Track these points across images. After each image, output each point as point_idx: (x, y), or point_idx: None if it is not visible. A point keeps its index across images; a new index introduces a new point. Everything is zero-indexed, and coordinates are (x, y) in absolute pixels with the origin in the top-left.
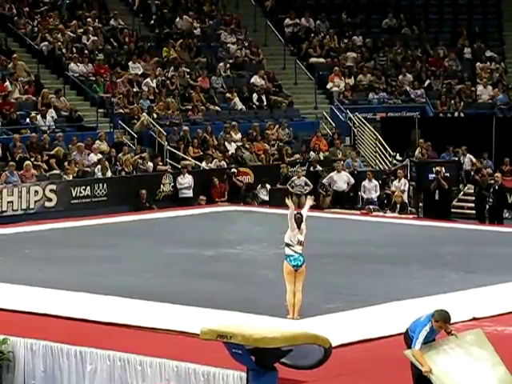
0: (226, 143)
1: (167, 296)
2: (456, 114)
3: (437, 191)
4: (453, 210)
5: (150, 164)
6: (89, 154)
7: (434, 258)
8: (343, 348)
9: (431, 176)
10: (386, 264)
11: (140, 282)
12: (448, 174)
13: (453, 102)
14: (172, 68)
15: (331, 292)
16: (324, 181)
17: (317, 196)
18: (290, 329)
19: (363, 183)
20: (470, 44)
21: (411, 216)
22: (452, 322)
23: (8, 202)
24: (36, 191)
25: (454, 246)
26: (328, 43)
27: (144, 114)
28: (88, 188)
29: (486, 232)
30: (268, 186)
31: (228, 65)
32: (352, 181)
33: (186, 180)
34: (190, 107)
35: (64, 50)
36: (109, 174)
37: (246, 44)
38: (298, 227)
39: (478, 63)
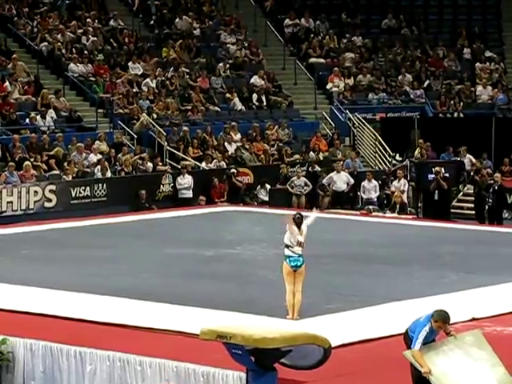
0: (226, 143)
1: (167, 296)
2: (455, 115)
3: (436, 191)
4: (452, 211)
5: (150, 164)
6: (88, 155)
7: (433, 259)
8: (343, 348)
9: (431, 176)
10: (386, 264)
11: (140, 282)
12: (447, 175)
13: (452, 102)
14: (172, 68)
15: (331, 292)
16: (324, 181)
17: (316, 196)
18: (290, 329)
19: (363, 183)
20: (469, 44)
21: (411, 216)
22: (452, 322)
23: (7, 203)
24: (35, 191)
25: (453, 246)
26: (328, 43)
27: (144, 114)
28: (87, 188)
29: (486, 232)
30: (268, 187)
31: (228, 65)
32: (351, 181)
33: (186, 180)
34: (190, 107)
35: (64, 51)
36: (108, 174)
37: (246, 44)
38: (298, 228)
39: (478, 63)
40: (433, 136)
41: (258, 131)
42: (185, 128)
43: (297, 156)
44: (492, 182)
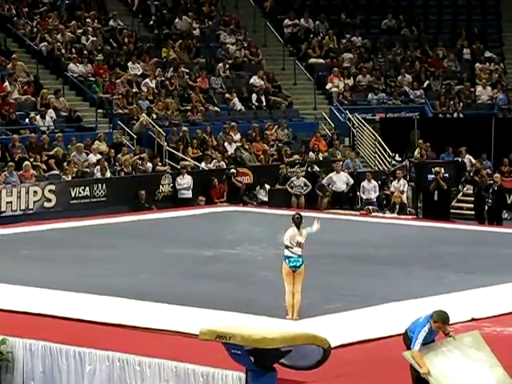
0: (226, 144)
1: (166, 296)
2: (455, 115)
3: (436, 192)
4: (452, 211)
5: (149, 164)
6: (88, 155)
7: (433, 259)
8: (342, 348)
9: (430, 177)
10: (385, 265)
11: (139, 282)
12: (447, 175)
13: (452, 102)
14: (171, 68)
15: (330, 293)
16: (323, 181)
17: (315, 197)
18: (289, 329)
19: (362, 184)
20: (469, 45)
21: (410, 217)
22: (451, 322)
23: (7, 203)
24: (35, 191)
25: (453, 246)
26: (327, 44)
27: (143, 114)
28: (87, 188)
29: (485, 233)
30: (267, 187)
31: (227, 65)
32: (351, 181)
33: (185, 180)
34: (190, 108)
35: (63, 51)
36: (108, 174)
37: (246, 44)
38: (298, 228)
39: (477, 64)
40: (432, 136)
41: (257, 131)
42: (184, 128)
43: (296, 156)
44: (492, 182)
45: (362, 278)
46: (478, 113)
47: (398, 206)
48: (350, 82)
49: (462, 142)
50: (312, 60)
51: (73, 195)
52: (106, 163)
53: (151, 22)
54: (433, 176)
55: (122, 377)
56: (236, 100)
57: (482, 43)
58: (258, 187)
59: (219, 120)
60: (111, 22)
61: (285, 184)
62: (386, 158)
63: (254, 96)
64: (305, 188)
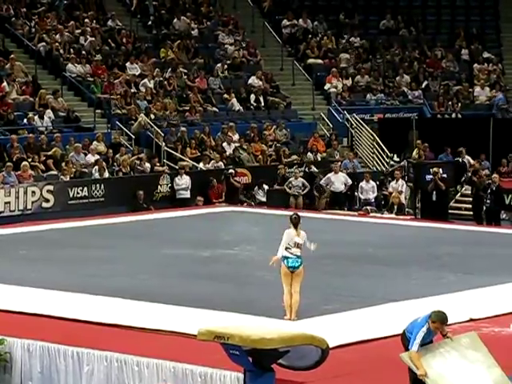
0: (224, 144)
1: (164, 297)
2: (453, 115)
3: (434, 192)
4: (450, 211)
5: (148, 165)
6: (86, 155)
7: (431, 259)
8: (340, 349)
9: (428, 177)
10: (384, 265)
11: (137, 282)
12: (445, 175)
13: (450, 103)
14: (169, 69)
15: (329, 293)
16: (321, 182)
17: (313, 197)
18: (288, 330)
19: (361, 184)
20: (467, 45)
21: (408, 217)
22: (449, 323)
23: (5, 203)
24: (33, 192)
25: (451, 247)
26: (325, 44)
27: (141, 114)
28: (85, 189)
29: (484, 233)
30: (265, 187)
31: (226, 66)
32: (349, 182)
33: (184, 181)
34: (188, 108)
35: (61, 51)
36: (106, 174)
37: (244, 45)
38: (296, 229)
39: (476, 64)
40: (431, 137)
41: (255, 132)
42: (183, 128)
43: (294, 157)
44: (490, 182)
45: (361, 278)
46: (476, 113)
47: (396, 207)
48: (349, 82)
49: (460, 143)
50: (310, 60)
51: (71, 195)
52: (104, 163)
53: (149, 23)
54: (431, 176)
55: (120, 377)
56: (234, 100)
57: (481, 44)
58: (257, 187)
59: (217, 120)
60: (109, 22)
61: (283, 184)
62: (384, 159)
63: (253, 96)
64: (303, 188)
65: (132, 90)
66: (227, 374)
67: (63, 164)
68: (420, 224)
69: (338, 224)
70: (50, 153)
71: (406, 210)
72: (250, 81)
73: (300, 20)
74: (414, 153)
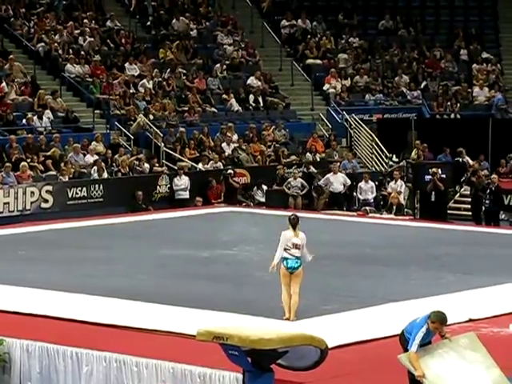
0: (223, 144)
1: (163, 297)
2: (452, 116)
3: (433, 193)
4: (449, 212)
5: (147, 165)
6: (85, 155)
7: (430, 260)
8: (339, 349)
9: (427, 177)
10: (383, 265)
11: (136, 283)
12: (444, 176)
13: (449, 103)
14: (168, 69)
15: (328, 293)
16: (320, 182)
17: (312, 197)
18: (287, 330)
19: (359, 184)
20: (466, 45)
21: (407, 217)
22: (448, 323)
23: (4, 204)
24: (32, 192)
25: (450, 247)
26: (324, 44)
27: (140, 115)
28: (84, 189)
29: (483, 233)
30: (264, 187)
31: (224, 66)
32: (348, 182)
33: (183, 181)
34: (187, 108)
35: (60, 51)
36: (105, 175)
37: (243, 45)
38: (294, 230)
39: (475, 65)
40: (430, 137)
41: (254, 132)
42: (181, 129)
43: (293, 157)
44: (489, 183)
45: (360, 278)
46: (475, 114)
47: (395, 207)
48: (348, 82)
49: (459, 143)
50: (309, 61)
51: (70, 196)
52: (103, 164)
53: (148, 23)
54: (430, 177)
55: (119, 377)
56: (233, 101)
57: (480, 44)
58: (255, 188)
59: (216, 121)
60: (108, 23)
61: (282, 185)
62: (383, 159)
63: (252, 97)
64: (302, 189)
65: (131, 91)
66: (226, 375)
67: (62, 164)
68: (419, 224)
69: (336, 224)
70: (48, 153)
71: (405, 210)
72: (248, 81)
73: (299, 20)
74: (413, 153)
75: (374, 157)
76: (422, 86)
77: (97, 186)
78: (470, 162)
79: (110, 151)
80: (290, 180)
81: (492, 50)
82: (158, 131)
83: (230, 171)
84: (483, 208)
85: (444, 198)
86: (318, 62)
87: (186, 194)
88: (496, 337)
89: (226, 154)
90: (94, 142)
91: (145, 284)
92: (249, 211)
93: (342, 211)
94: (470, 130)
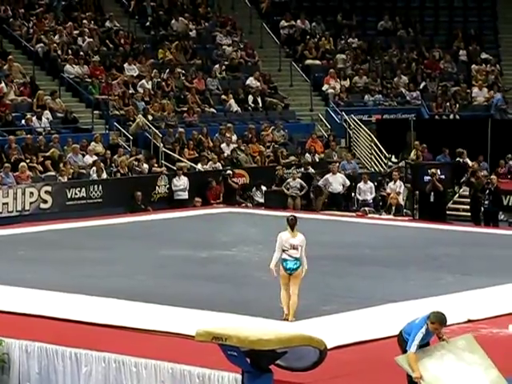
0: (222, 145)
1: (162, 298)
2: (451, 116)
3: (432, 193)
4: (448, 212)
5: (146, 166)
6: (84, 156)
7: (429, 260)
8: (338, 350)
9: (426, 178)
10: (382, 266)
11: (135, 283)
12: (443, 176)
13: (448, 104)
14: (167, 70)
15: (327, 294)
16: (319, 183)
17: (310, 198)
18: (286, 331)
19: (358, 185)
20: (465, 46)
21: (406, 218)
22: (448, 324)
23: (3, 204)
24: (31, 193)
25: (449, 248)
26: (323, 45)
27: (139, 115)
28: (83, 190)
29: (482, 234)
30: (263, 188)
31: (223, 66)
32: (347, 183)
33: (182, 182)
34: (186, 109)
35: (59, 52)
36: (104, 175)
37: (242, 46)
38: (292, 230)
39: (474, 65)
40: (429, 138)
41: (253, 133)
42: (180, 129)
43: (292, 158)
44: (488, 183)
45: (359, 279)
46: (474, 114)
47: (394, 208)
48: (347, 83)
49: (458, 144)
50: (308, 61)
51: (69, 196)
52: (102, 164)
53: (147, 23)
54: (429, 177)
55: (118, 378)
56: (232, 101)
57: (479, 44)
58: (254, 188)
59: (215, 121)
60: (107, 23)
61: (281, 185)
62: (382, 160)
63: (251, 97)
64: (301, 189)
65: (130, 91)
66: (225, 375)
67: (61, 165)
68: (418, 225)
69: (335, 225)
70: (47, 154)
71: (404, 210)
72: (247, 82)
73: (298, 21)
74: (412, 154)
75: (373, 157)
76: (421, 86)
77: (96, 186)
78: (469, 162)
79: (109, 152)
80: (289, 180)
81: (491, 51)
82: (157, 132)
83: (229, 172)
84: (482, 209)
85: (443, 198)
86: (317, 62)
87: (184, 195)
88: (495, 337)
89: (225, 154)
90: (93, 143)
91: (144, 284)
92: (248, 212)
93: (340, 212)
94: (469, 130)
